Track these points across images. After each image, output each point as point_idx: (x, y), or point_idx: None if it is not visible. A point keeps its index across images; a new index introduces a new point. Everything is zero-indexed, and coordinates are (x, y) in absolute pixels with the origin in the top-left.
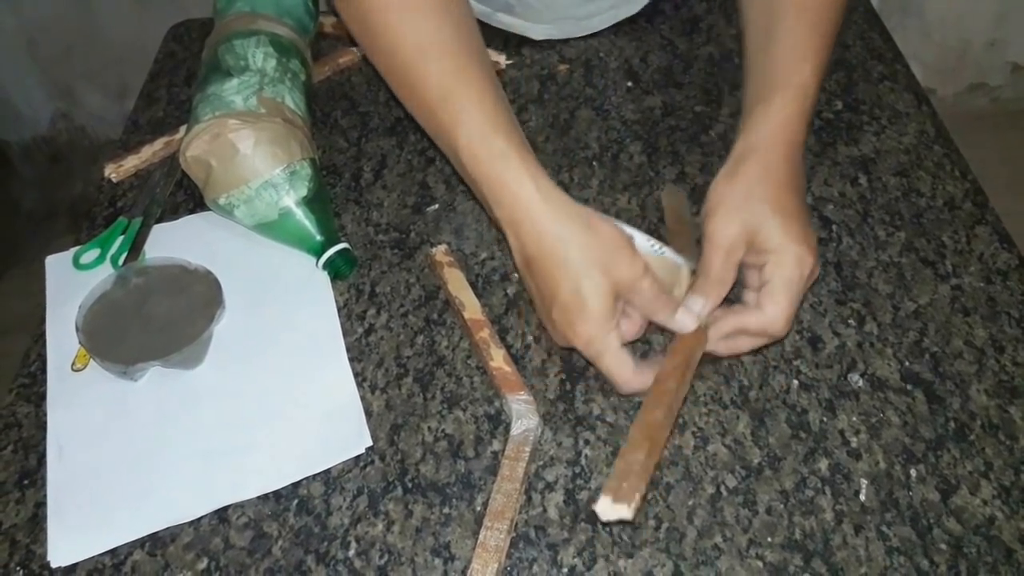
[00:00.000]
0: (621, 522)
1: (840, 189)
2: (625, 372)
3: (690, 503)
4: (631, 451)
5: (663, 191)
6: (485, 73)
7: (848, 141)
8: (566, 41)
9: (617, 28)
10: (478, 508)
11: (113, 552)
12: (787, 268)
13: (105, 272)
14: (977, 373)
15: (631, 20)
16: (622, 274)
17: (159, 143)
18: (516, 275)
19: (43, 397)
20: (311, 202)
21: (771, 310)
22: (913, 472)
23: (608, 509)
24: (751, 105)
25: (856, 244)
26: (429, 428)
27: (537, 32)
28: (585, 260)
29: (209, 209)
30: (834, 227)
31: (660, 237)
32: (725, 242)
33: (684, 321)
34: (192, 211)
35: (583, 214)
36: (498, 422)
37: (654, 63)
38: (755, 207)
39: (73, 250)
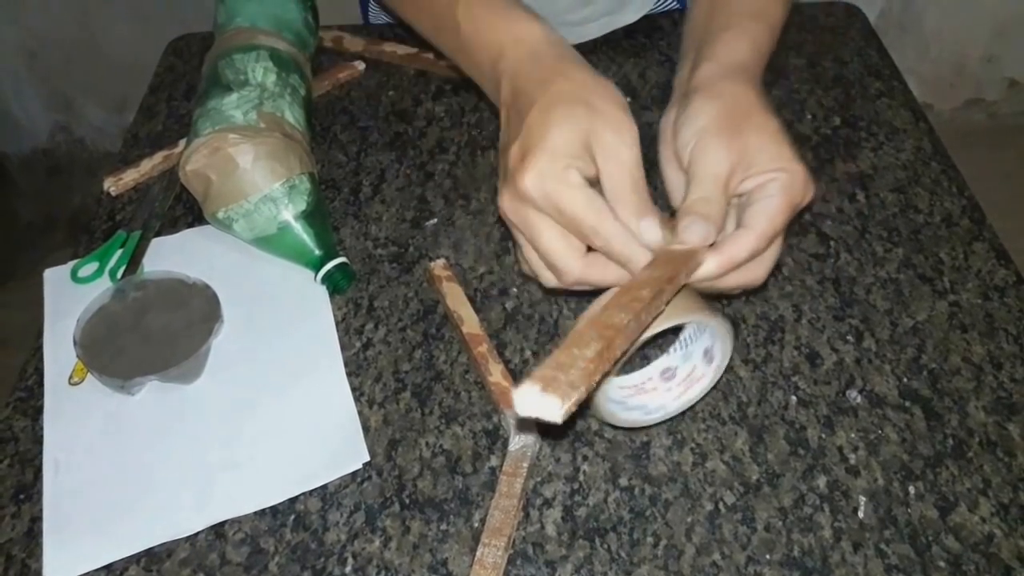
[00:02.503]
0: (545, 429)
1: (838, 205)
2: (602, 208)
3: (688, 520)
4: (577, 344)
5: None
6: None
7: (846, 157)
8: None
9: (616, 44)
10: (476, 524)
11: (109, 568)
12: (788, 185)
13: (103, 286)
14: (975, 390)
15: (629, 36)
16: (608, 127)
17: (158, 157)
18: (515, 290)
19: (40, 411)
20: (310, 216)
21: (763, 226)
22: (912, 489)
23: (531, 399)
24: (695, 49)
25: (854, 260)
26: (427, 443)
27: None
28: (572, 92)
29: (208, 223)
30: (832, 243)
31: None
32: (722, 169)
33: (647, 233)
34: (191, 225)
35: (588, 65)
36: (496, 437)
37: (652, 79)
38: (745, 128)
39: (71, 263)
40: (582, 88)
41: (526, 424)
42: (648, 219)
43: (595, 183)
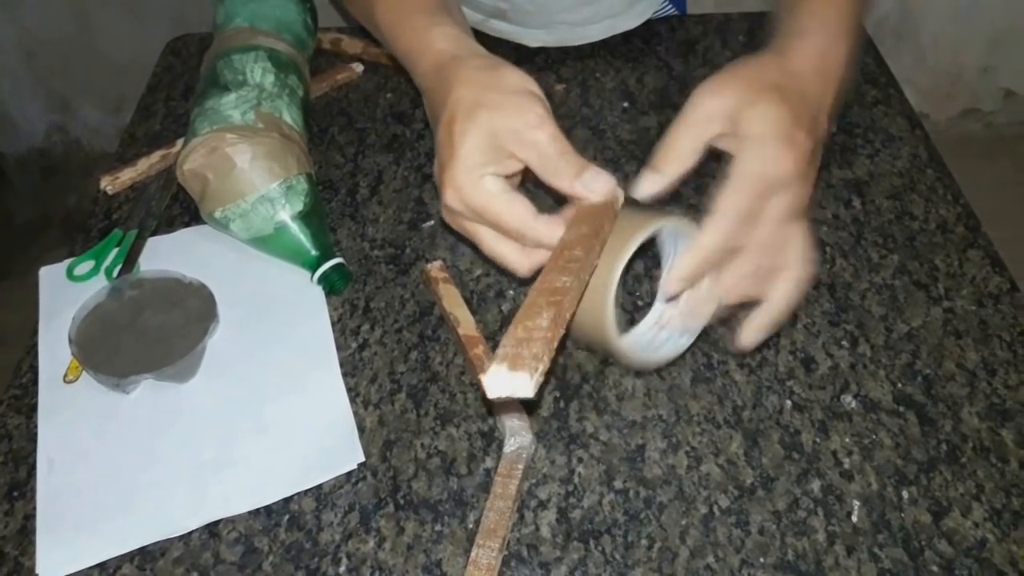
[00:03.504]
0: (518, 404)
1: (834, 211)
2: (522, 214)
3: (683, 523)
4: (530, 316)
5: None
6: None
7: (842, 164)
8: (563, 61)
9: (613, 49)
10: (470, 525)
11: (102, 566)
12: (750, 162)
13: (99, 284)
14: (969, 396)
15: (627, 41)
16: (511, 120)
17: (156, 156)
18: (511, 292)
19: (34, 408)
20: (307, 217)
21: (723, 204)
22: (905, 494)
23: (501, 380)
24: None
25: (849, 266)
26: (422, 444)
27: (531, 39)
28: (470, 99)
29: (205, 222)
30: (828, 249)
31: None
32: (701, 112)
33: (593, 184)
34: (188, 224)
35: (485, 58)
36: (491, 439)
37: (650, 84)
38: (755, 86)
39: (67, 261)
40: (477, 90)
41: (506, 407)
42: (586, 173)
43: (526, 173)
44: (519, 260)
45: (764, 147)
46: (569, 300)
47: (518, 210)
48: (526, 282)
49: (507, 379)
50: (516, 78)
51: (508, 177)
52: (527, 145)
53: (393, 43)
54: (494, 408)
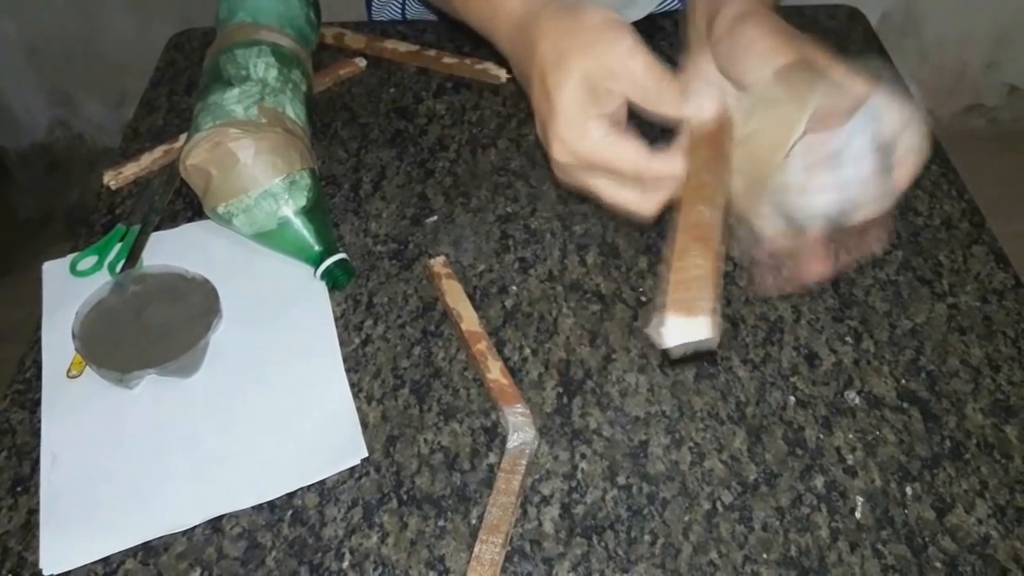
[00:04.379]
0: (693, 357)
1: None
2: (635, 155)
3: (686, 519)
4: (682, 257)
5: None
6: None
7: None
8: None
9: None
10: (473, 521)
11: (106, 561)
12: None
13: (102, 279)
14: (973, 392)
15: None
16: (601, 58)
17: (159, 151)
18: (514, 287)
19: (38, 403)
20: (310, 212)
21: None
22: (909, 490)
23: (680, 330)
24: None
25: (853, 262)
26: (425, 440)
27: None
28: (555, 49)
29: (208, 218)
30: (832, 244)
31: None
32: (777, 58)
33: (702, 102)
34: (191, 219)
35: (561, 3)
36: (494, 435)
37: None
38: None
39: (70, 257)
40: (561, 37)
41: (509, 400)
42: (693, 98)
43: (632, 105)
44: (642, 202)
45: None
46: (713, 229)
47: (630, 150)
48: (526, 280)
49: (684, 326)
50: (596, 16)
51: (613, 118)
52: (624, 78)
53: (467, 15)
54: (497, 403)
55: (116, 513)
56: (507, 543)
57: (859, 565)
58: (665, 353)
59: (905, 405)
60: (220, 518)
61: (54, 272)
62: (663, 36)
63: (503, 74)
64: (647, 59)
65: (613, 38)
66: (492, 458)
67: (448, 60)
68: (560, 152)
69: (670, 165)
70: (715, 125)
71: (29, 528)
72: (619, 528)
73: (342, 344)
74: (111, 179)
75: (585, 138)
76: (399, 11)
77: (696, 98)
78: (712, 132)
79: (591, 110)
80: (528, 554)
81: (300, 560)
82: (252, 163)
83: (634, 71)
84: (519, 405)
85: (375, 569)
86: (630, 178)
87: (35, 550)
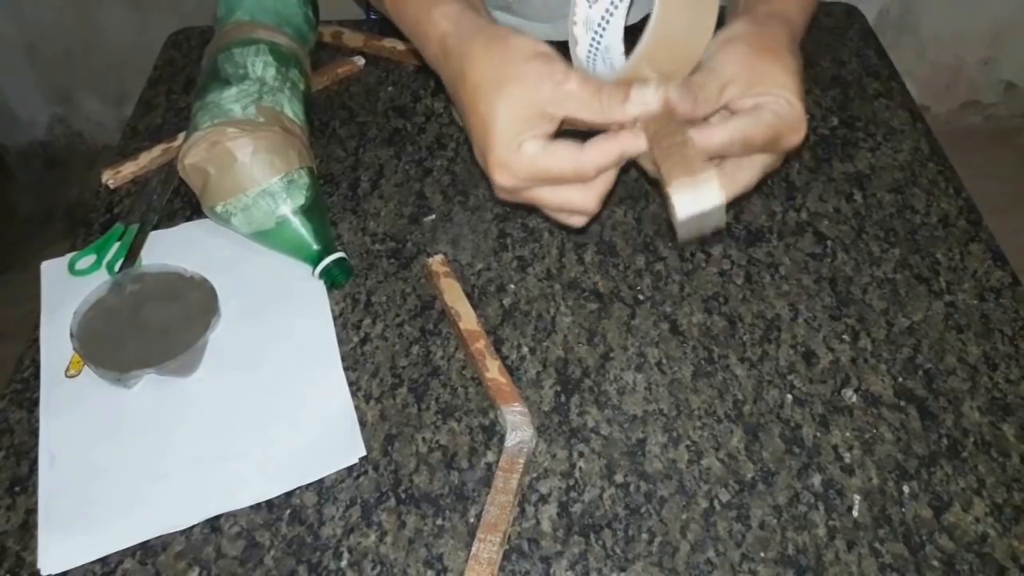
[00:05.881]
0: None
1: (835, 205)
2: (570, 153)
3: (683, 517)
4: (663, 139)
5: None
6: None
7: (843, 157)
8: (566, 54)
9: None
10: (471, 520)
11: (104, 560)
12: (777, 111)
13: (101, 278)
14: (970, 390)
15: (629, 35)
16: (538, 89)
17: (157, 150)
18: (512, 286)
19: (36, 403)
20: (308, 211)
21: (741, 125)
22: (906, 488)
23: (689, 194)
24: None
25: (851, 260)
26: (423, 439)
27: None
28: (488, 77)
29: (206, 217)
30: (829, 243)
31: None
32: (727, 75)
33: (644, 97)
34: (189, 218)
35: (488, 31)
36: (492, 433)
37: None
38: (761, 56)
39: (69, 256)
40: (492, 68)
41: (521, 421)
42: (632, 93)
43: (569, 122)
44: (584, 197)
45: (778, 101)
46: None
47: (564, 152)
48: (524, 279)
49: (691, 191)
50: (525, 45)
51: (546, 136)
52: (565, 102)
53: (401, 25)
54: (495, 401)
55: (114, 513)
56: (505, 542)
57: (856, 564)
58: (675, 235)
59: (902, 403)
60: (218, 517)
61: (52, 271)
62: None
63: None
64: (579, 77)
65: (544, 68)
66: (490, 457)
67: None
68: (502, 177)
69: (603, 148)
70: (661, 115)
71: (27, 528)
72: (617, 527)
73: (340, 343)
74: (109, 178)
75: (523, 157)
76: None
77: (638, 95)
78: (661, 115)
79: (526, 133)
80: (526, 553)
81: (298, 559)
82: (250, 162)
83: (571, 92)
84: (517, 404)
85: (373, 568)
86: (571, 177)
87: (33, 550)
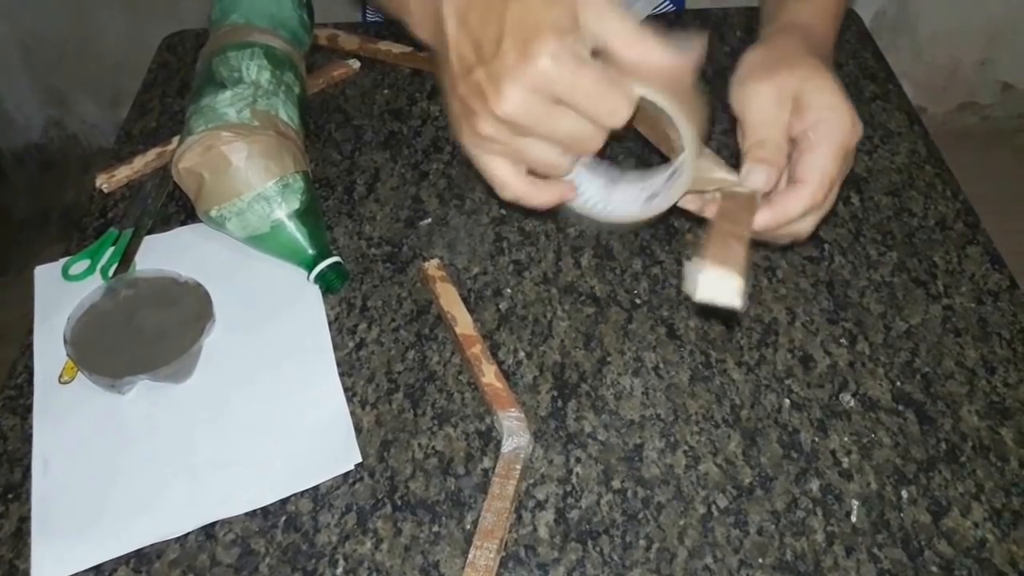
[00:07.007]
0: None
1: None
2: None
3: (681, 523)
4: (723, 220)
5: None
6: None
7: None
8: None
9: None
10: (468, 526)
11: (98, 568)
12: (835, 128)
13: (94, 283)
14: (968, 394)
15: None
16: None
17: (151, 154)
18: (508, 291)
19: (29, 409)
20: (303, 215)
21: (816, 179)
22: (904, 493)
23: (714, 282)
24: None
25: (848, 263)
26: (419, 445)
27: None
28: None
29: (201, 221)
30: (826, 246)
31: None
32: (768, 111)
33: (753, 177)
34: (184, 223)
35: None
36: (489, 439)
37: None
38: (790, 70)
39: (62, 261)
40: None
41: (518, 426)
42: (750, 168)
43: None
44: (595, 136)
45: (841, 116)
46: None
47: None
48: (520, 283)
49: (719, 280)
50: None
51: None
52: (603, 21)
53: None
54: (493, 406)
55: (108, 520)
56: (502, 548)
57: (855, 569)
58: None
59: (900, 408)
60: (213, 524)
61: (46, 276)
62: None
63: None
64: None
65: None
66: (487, 463)
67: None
68: (547, 63)
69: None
70: (744, 198)
71: (20, 536)
72: (614, 533)
73: (336, 348)
74: (103, 182)
75: (577, 53)
76: None
77: (754, 173)
78: (740, 201)
79: (576, 35)
80: (523, 559)
81: (294, 567)
82: (245, 166)
83: (610, 21)
84: (513, 409)
85: (369, 575)
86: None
87: (26, 558)
